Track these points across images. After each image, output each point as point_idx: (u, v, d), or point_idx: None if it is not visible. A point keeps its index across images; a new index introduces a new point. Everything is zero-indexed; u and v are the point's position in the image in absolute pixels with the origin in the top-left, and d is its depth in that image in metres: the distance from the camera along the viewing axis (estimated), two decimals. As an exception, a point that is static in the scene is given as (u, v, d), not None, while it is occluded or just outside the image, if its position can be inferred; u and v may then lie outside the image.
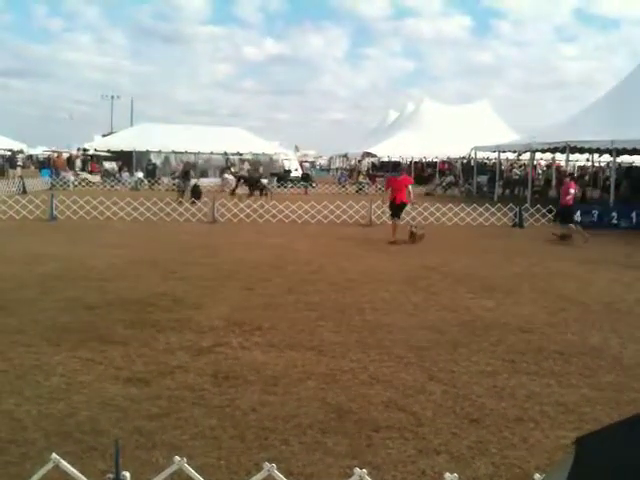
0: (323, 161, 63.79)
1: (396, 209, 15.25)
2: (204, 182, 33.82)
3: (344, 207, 19.29)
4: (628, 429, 1.19)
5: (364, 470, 2.72)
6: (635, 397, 5.13)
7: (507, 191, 31.39)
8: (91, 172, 38.86)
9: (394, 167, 47.14)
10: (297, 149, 53.26)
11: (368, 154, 47.34)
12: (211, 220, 18.71)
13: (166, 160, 40.62)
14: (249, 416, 4.74)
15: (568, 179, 17.61)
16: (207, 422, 4.60)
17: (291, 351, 6.33)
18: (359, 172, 43.50)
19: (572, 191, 16.38)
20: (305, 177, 39.36)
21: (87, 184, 33.83)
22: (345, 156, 56.62)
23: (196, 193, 23.94)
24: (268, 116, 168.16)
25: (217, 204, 19.12)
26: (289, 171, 41.53)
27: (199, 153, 40.41)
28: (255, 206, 19.74)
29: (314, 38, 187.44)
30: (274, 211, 19.28)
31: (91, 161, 41.77)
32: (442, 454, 4.18)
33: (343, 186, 38.10)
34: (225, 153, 40.88)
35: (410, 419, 4.73)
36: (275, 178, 35.50)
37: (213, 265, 11.24)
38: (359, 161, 50.77)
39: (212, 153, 40.65)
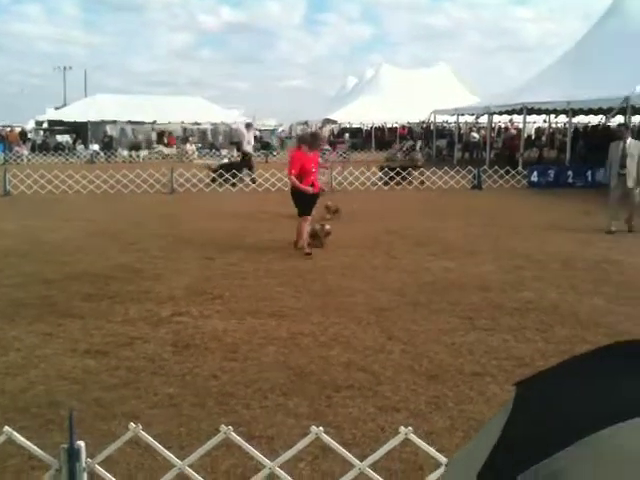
0: (284, 129, 63.27)
1: (309, 201, 9.63)
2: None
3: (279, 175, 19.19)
4: (564, 370, 1.21)
5: (321, 428, 2.75)
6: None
7: (466, 154, 31.63)
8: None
9: (353, 134, 47.10)
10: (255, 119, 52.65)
11: (328, 121, 47.05)
12: (169, 191, 18.45)
13: (122, 132, 39.73)
14: (209, 383, 4.74)
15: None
16: (167, 390, 4.59)
17: (252, 318, 6.32)
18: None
19: None
20: (266, 145, 39.06)
21: (41, 157, 32.94)
22: (305, 124, 56.23)
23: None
24: (227, 85, 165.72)
25: (175, 174, 18.84)
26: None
27: (155, 123, 39.64)
28: (214, 175, 19.48)
29: (271, 4, 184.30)
30: (234, 180, 19.08)
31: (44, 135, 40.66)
32: (401, 411, 4.24)
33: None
34: (182, 122, 40.23)
35: (370, 378, 4.79)
36: (235, 147, 35.05)
37: (173, 236, 11.11)
38: (320, 128, 50.45)
39: (169, 123, 39.92)
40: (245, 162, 20.76)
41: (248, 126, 23.14)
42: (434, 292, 7.30)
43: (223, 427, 2.78)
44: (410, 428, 2.63)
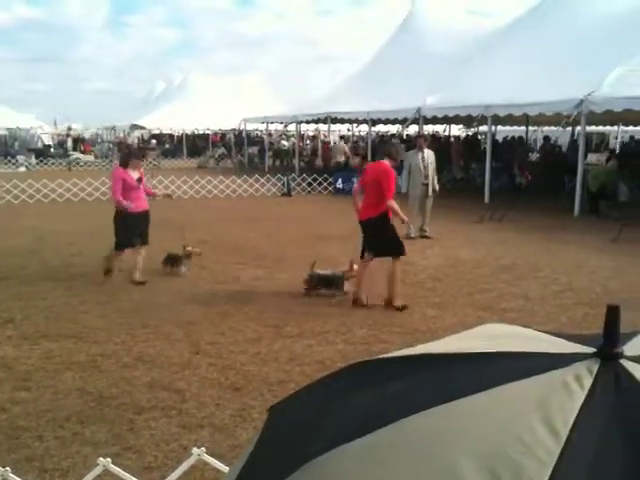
0: (90, 134, 60.16)
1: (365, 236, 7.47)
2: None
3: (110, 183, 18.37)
4: (311, 393, 1.28)
5: (108, 459, 2.64)
6: (382, 347, 5.62)
7: (277, 161, 32.33)
8: None
9: (164, 141, 46.01)
10: (56, 123, 49.52)
11: (136, 126, 45.55)
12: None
13: None
14: (-3, 417, 4.35)
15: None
16: (-55, 431, 4.14)
17: (48, 342, 5.92)
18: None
19: None
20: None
21: None
22: (113, 129, 53.91)
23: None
24: (23, 87, 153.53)
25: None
26: (49, 146, 38.53)
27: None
28: (8, 186, 17.96)
29: (71, 3, 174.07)
30: (31, 191, 17.74)
31: None
32: (206, 427, 4.22)
33: (111, 160, 36.28)
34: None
35: (174, 397, 4.71)
36: (33, 154, 32.69)
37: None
38: (127, 134, 48.67)
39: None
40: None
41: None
42: (243, 301, 7.36)
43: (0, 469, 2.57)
44: (203, 449, 2.63)
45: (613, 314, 1.05)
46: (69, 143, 41.60)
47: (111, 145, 44.65)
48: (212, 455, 3.06)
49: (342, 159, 23.63)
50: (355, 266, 7.48)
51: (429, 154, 12.13)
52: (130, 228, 8.20)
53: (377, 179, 7.02)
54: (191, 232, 12.30)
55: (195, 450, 2.64)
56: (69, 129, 44.89)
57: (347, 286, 7.54)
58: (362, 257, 7.46)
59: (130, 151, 10.25)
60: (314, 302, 7.35)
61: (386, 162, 7.21)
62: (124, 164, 8.46)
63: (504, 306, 7.26)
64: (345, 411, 1.08)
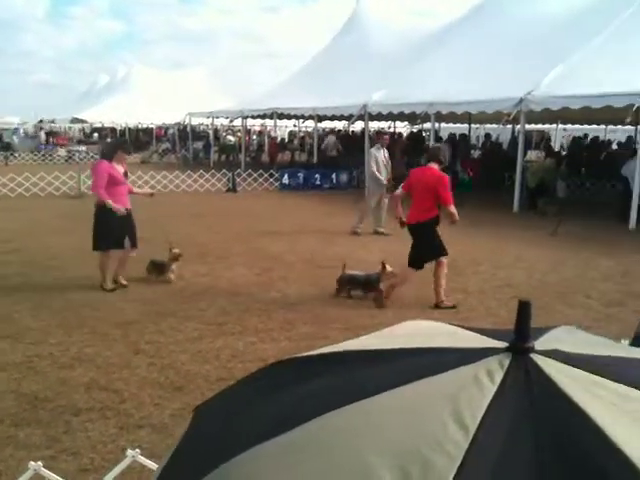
0: (30, 128, 58.36)
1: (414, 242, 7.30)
2: None
3: (49, 178, 17.89)
4: (234, 393, 1.27)
5: (39, 463, 2.58)
6: (325, 343, 5.61)
7: (223, 157, 32.02)
8: None
9: (99, 135, 45.01)
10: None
11: (78, 120, 44.43)
12: None
13: None
14: None
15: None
16: None
17: (-20, 343, 5.72)
18: (70, 139, 40.79)
19: None
20: (6, 146, 35.59)
21: None
22: (53, 122, 52.44)
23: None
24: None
25: None
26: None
27: None
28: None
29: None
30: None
31: None
32: (144, 427, 4.15)
33: (51, 155, 35.27)
34: None
35: (113, 397, 4.62)
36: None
37: None
38: (69, 128, 47.43)
39: None
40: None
41: None
42: (184, 299, 7.28)
43: None
44: (137, 450, 2.59)
45: (524, 310, 1.08)
46: (42, 137, 40.72)
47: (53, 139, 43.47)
48: (150, 456, 3.02)
49: (334, 153, 23.55)
50: (388, 267, 7.28)
51: (385, 152, 12.20)
52: (115, 228, 7.50)
53: (430, 186, 6.88)
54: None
55: (129, 452, 2.59)
56: (40, 122, 44.23)
57: (382, 287, 7.30)
58: (413, 267, 7.22)
59: (117, 142, 9.26)
60: (258, 299, 7.33)
61: (434, 166, 7.06)
62: (109, 157, 7.62)
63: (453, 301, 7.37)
64: (263, 410, 1.07)
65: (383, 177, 11.93)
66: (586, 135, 26.56)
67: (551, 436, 0.90)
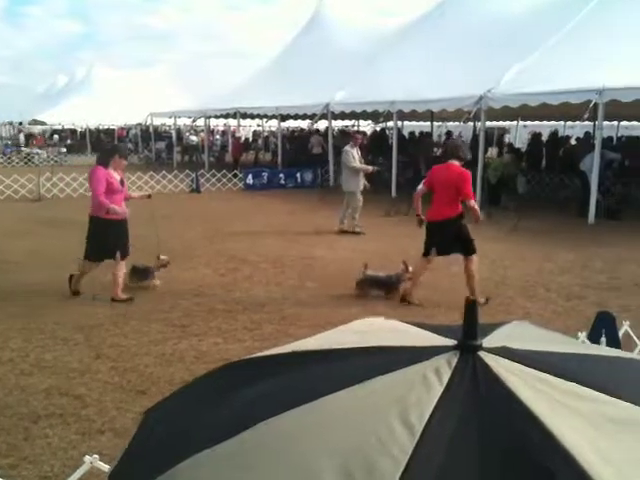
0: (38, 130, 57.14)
1: (434, 236, 7.32)
2: None
3: (7, 181, 17.49)
4: (184, 396, 1.26)
5: (-6, 473, 2.51)
6: (289, 341, 5.63)
7: (186, 157, 31.75)
8: None
9: (59, 137, 44.27)
10: None
11: (37, 122, 43.55)
12: None
13: None
14: None
15: None
16: None
17: None
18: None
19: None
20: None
21: None
22: (11, 124, 51.29)
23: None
24: None
25: None
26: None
27: None
28: None
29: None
30: None
31: None
32: (106, 432, 4.09)
33: (9, 158, 34.51)
34: None
35: (74, 403, 4.54)
36: None
37: None
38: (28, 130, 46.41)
39: None
40: None
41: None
42: (147, 301, 7.19)
43: None
44: (96, 456, 2.55)
45: (471, 308, 1.09)
46: (21, 139, 40.61)
47: (8, 141, 42.60)
48: (112, 461, 2.97)
49: (319, 151, 23.48)
50: (410, 267, 7.31)
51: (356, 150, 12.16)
52: (110, 239, 7.14)
53: (453, 183, 6.91)
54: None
55: (87, 458, 2.55)
56: (20, 124, 43.53)
57: (403, 288, 7.31)
58: (425, 256, 7.29)
59: (113, 147, 8.66)
60: (223, 300, 7.28)
61: (456, 163, 7.05)
62: (105, 163, 7.18)
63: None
64: (211, 414, 1.07)
65: (359, 176, 11.87)
66: (557, 133, 26.88)
67: (496, 434, 0.91)
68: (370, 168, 12.28)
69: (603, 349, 1.78)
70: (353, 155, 11.88)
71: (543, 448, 0.88)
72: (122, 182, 7.40)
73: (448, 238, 7.13)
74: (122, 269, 7.29)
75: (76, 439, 4.02)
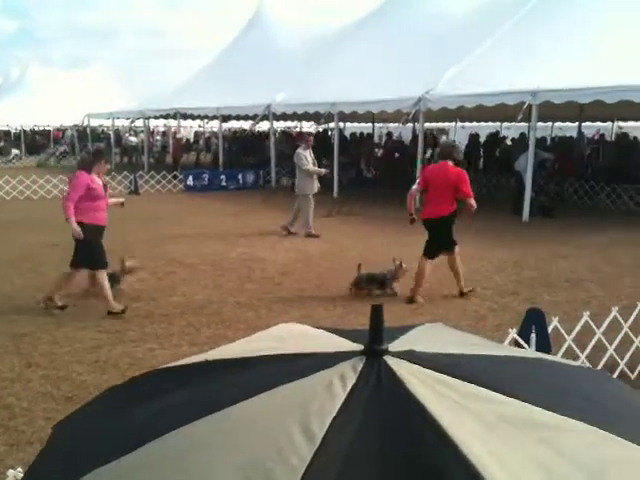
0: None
1: (434, 235, 7.57)
2: None
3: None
4: (95, 407, 1.23)
5: None
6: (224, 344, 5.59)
7: (125, 158, 31.13)
8: None
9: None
10: None
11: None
12: None
13: None
14: None
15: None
16: None
17: None
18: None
19: None
20: None
21: None
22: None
23: None
24: None
25: None
26: None
27: None
28: None
29: None
30: None
31: None
32: (35, 444, 3.96)
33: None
34: None
35: (2, 413, 4.39)
36: None
37: None
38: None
39: None
40: None
41: None
42: (82, 308, 7.01)
43: None
44: (19, 469, 2.47)
45: (377, 314, 1.10)
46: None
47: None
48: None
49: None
50: (404, 265, 7.51)
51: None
52: (96, 246, 6.85)
53: (452, 182, 7.20)
54: (29, 236, 11.54)
55: (11, 472, 2.47)
56: None
57: (396, 286, 7.56)
58: (429, 256, 7.50)
59: (96, 151, 8.03)
60: (160, 304, 7.17)
61: (450, 163, 7.35)
62: (89, 167, 6.86)
63: (352, 299, 7.49)
64: (118, 427, 1.05)
65: (314, 178, 11.79)
66: (497, 134, 27.40)
67: (395, 436, 0.93)
68: (323, 171, 12.37)
69: (515, 350, 1.83)
70: (306, 157, 11.80)
71: (438, 448, 0.90)
72: (105, 187, 7.08)
73: (442, 235, 7.48)
74: (105, 279, 6.87)
75: (4, 451, 3.90)
